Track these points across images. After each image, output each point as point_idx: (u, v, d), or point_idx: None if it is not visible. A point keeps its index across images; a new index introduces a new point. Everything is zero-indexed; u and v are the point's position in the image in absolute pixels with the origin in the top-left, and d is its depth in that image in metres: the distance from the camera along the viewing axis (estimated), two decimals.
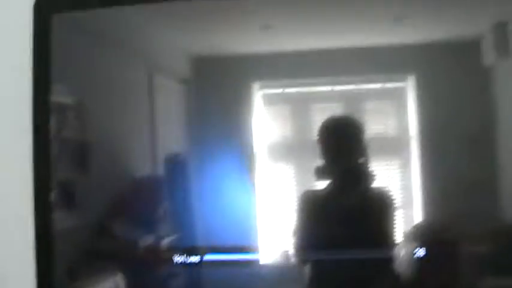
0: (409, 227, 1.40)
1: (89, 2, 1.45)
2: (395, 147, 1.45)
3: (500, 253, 1.35)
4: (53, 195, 1.44)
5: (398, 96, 1.47)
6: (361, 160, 1.40)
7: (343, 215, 1.40)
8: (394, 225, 1.40)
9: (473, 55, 1.40)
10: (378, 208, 1.41)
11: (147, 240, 1.47)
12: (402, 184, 1.43)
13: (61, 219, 1.43)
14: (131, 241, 1.46)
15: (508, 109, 1.38)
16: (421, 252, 1.36)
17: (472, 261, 1.34)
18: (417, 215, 1.41)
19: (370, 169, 1.40)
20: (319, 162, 1.41)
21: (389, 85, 1.48)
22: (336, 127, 1.42)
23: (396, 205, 1.41)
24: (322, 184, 1.42)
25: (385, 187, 1.42)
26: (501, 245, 1.35)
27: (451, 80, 1.40)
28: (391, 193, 1.42)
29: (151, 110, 1.52)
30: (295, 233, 1.43)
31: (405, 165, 1.44)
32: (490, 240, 1.35)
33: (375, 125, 1.44)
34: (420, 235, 1.38)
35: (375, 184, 1.41)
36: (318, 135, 1.41)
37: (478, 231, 1.35)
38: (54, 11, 1.45)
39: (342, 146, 1.41)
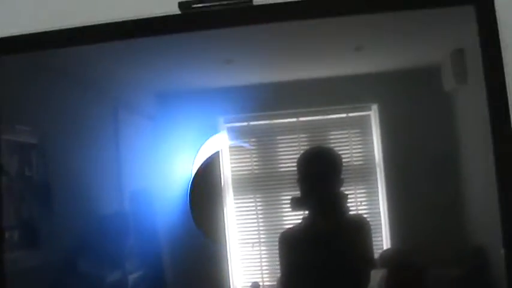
0: (376, 253, 1.40)
1: (45, 41, 1.44)
2: (361, 174, 1.45)
3: (467, 276, 1.35)
4: (16, 234, 1.41)
5: (362, 125, 1.48)
6: (336, 189, 1.40)
7: (324, 243, 1.39)
8: (373, 250, 1.39)
9: (434, 82, 1.42)
10: (357, 233, 1.41)
11: (114, 276, 1.45)
12: (369, 211, 1.43)
13: (25, 258, 1.41)
14: (98, 277, 1.44)
15: (469, 133, 1.39)
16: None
17: (440, 284, 1.34)
18: (385, 241, 1.41)
19: (344, 198, 1.40)
20: (292, 193, 1.41)
21: (353, 114, 1.49)
22: (313, 158, 1.43)
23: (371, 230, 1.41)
24: (295, 217, 1.42)
25: (360, 214, 1.43)
26: (468, 267, 1.35)
27: (414, 106, 1.42)
28: (366, 219, 1.42)
29: (116, 146, 1.52)
30: (282, 273, 1.42)
31: (371, 193, 1.44)
32: (456, 263, 1.35)
33: (341, 154, 1.45)
34: (388, 261, 1.38)
35: (350, 212, 1.41)
36: (296, 167, 1.42)
37: (445, 255, 1.35)
38: (5, 52, 1.44)
39: (319, 177, 1.42)
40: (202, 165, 1.46)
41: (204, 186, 1.46)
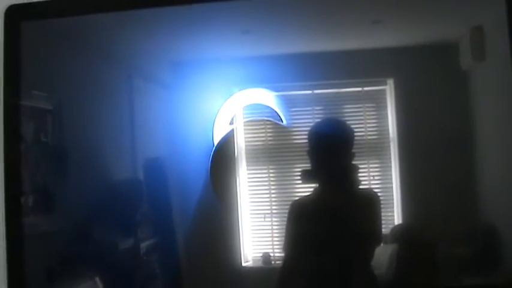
0: (388, 228, 1.41)
1: (64, 9, 1.44)
2: (375, 149, 1.45)
3: (478, 253, 1.35)
4: (31, 200, 1.43)
5: (377, 100, 1.48)
6: (347, 162, 1.40)
7: (332, 216, 1.39)
8: (381, 226, 1.40)
9: (451, 58, 1.41)
10: (366, 208, 1.41)
11: (126, 244, 1.47)
12: (382, 186, 1.44)
13: (39, 224, 1.42)
14: (110, 244, 1.45)
15: (485, 111, 1.39)
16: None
17: (450, 261, 1.35)
18: (396, 217, 1.41)
19: (356, 171, 1.40)
20: (305, 166, 1.41)
21: (368, 88, 1.49)
22: (325, 131, 1.43)
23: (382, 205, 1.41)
24: (306, 189, 1.42)
25: (370, 188, 1.43)
26: (479, 245, 1.36)
27: (430, 83, 1.41)
28: (376, 193, 1.42)
29: (130, 114, 1.52)
30: (286, 241, 1.43)
31: (385, 167, 1.44)
32: (468, 241, 1.36)
33: (355, 128, 1.45)
34: (399, 236, 1.39)
35: (361, 185, 1.42)
36: (307, 139, 1.42)
37: (457, 232, 1.35)
38: (27, 18, 1.44)
39: (330, 149, 1.42)
40: (223, 136, 1.46)
41: (222, 157, 1.47)
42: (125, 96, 1.52)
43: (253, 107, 1.47)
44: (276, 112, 1.46)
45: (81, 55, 1.49)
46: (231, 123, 1.47)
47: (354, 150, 1.40)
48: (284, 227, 1.43)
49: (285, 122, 1.45)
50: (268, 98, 1.46)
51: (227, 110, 1.47)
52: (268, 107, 1.46)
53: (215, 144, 1.46)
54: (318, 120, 1.47)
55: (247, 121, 1.48)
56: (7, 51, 1.45)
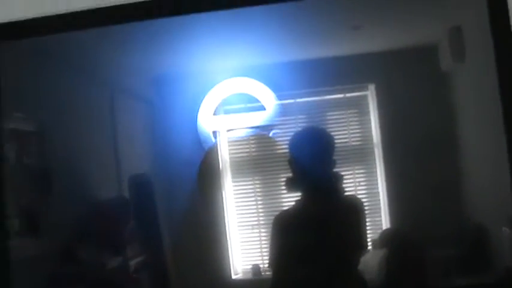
0: (376, 233, 1.41)
1: (44, 28, 1.43)
2: (359, 155, 1.46)
3: (467, 254, 1.35)
4: (17, 223, 1.42)
5: (360, 105, 1.48)
6: (328, 170, 1.40)
7: (316, 225, 1.39)
8: (367, 232, 1.40)
9: (431, 61, 1.41)
10: (349, 215, 1.41)
11: (114, 262, 1.46)
12: (367, 191, 1.44)
13: (25, 247, 1.41)
14: (98, 264, 1.45)
15: (467, 111, 1.39)
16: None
17: (440, 263, 1.35)
18: (384, 221, 1.41)
19: (339, 178, 1.40)
20: (289, 174, 1.41)
21: (350, 95, 1.49)
22: (304, 139, 1.42)
23: (366, 211, 1.41)
24: (293, 198, 1.41)
25: (354, 195, 1.43)
26: (467, 246, 1.36)
27: (411, 86, 1.41)
28: (360, 200, 1.42)
29: (113, 132, 1.51)
30: (272, 256, 1.43)
31: (370, 173, 1.44)
32: (456, 242, 1.36)
33: (339, 135, 1.45)
34: (388, 240, 1.39)
35: (345, 192, 1.41)
36: (288, 148, 1.41)
37: (444, 234, 1.35)
38: (6, 38, 1.43)
39: (309, 158, 1.41)
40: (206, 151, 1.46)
41: (207, 170, 1.46)
42: (108, 113, 1.52)
43: (236, 97, 1.46)
44: (259, 101, 1.45)
45: (62, 74, 1.49)
46: (215, 113, 1.46)
47: (335, 158, 1.39)
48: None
49: (267, 110, 1.45)
50: (251, 86, 1.45)
51: (211, 101, 1.46)
52: (251, 96, 1.46)
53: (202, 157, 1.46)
54: (299, 129, 1.47)
55: (230, 137, 1.47)
56: None
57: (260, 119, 1.46)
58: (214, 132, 1.46)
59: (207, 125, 1.46)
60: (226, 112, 1.47)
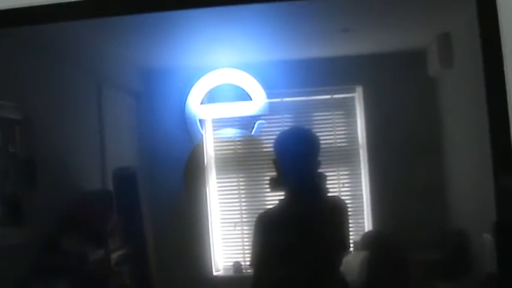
0: (358, 235, 1.41)
1: (33, 17, 1.43)
2: (344, 156, 1.46)
3: (449, 258, 1.36)
4: None
5: (346, 107, 1.48)
6: (312, 171, 1.40)
7: (299, 225, 1.39)
8: (349, 233, 1.40)
9: (419, 65, 1.42)
10: (332, 215, 1.41)
11: (97, 254, 1.46)
12: (351, 192, 1.45)
13: (7, 236, 1.41)
14: (81, 255, 1.44)
15: (454, 117, 1.40)
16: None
17: (422, 266, 1.36)
18: (366, 223, 1.42)
19: (323, 179, 1.40)
20: (273, 174, 1.41)
21: (337, 96, 1.50)
22: (289, 139, 1.43)
23: (349, 212, 1.42)
24: (276, 197, 1.42)
25: (338, 195, 1.43)
26: (448, 250, 1.37)
27: (398, 89, 1.42)
28: (343, 201, 1.43)
29: (100, 123, 1.51)
30: (253, 255, 1.43)
31: (354, 174, 1.45)
32: (437, 245, 1.37)
33: (325, 135, 1.45)
34: (370, 242, 1.39)
35: (328, 193, 1.42)
36: (272, 147, 1.41)
37: (426, 238, 1.36)
38: None
39: (294, 158, 1.41)
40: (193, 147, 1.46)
41: (193, 167, 1.47)
42: (94, 105, 1.51)
43: (223, 87, 1.46)
44: (245, 91, 1.45)
45: (49, 64, 1.48)
46: (202, 103, 1.46)
47: (319, 158, 1.40)
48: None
49: (253, 100, 1.45)
50: (238, 77, 1.46)
51: (199, 90, 1.46)
52: (238, 86, 1.46)
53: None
54: (284, 128, 1.47)
55: (216, 133, 1.48)
56: None
57: (247, 109, 1.45)
58: (201, 121, 1.46)
59: (194, 113, 1.45)
60: (213, 101, 1.47)
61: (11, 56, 1.46)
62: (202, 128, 1.46)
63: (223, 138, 1.47)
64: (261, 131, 1.46)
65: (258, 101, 1.45)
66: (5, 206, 1.44)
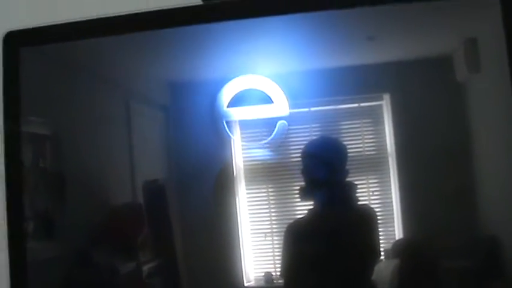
0: (389, 243, 1.40)
1: (62, 34, 1.45)
2: (373, 165, 1.46)
3: (481, 265, 1.35)
4: (31, 226, 1.43)
5: (374, 115, 1.48)
6: (341, 180, 1.40)
7: (329, 234, 1.39)
8: (380, 241, 1.40)
9: (446, 71, 1.41)
10: (363, 224, 1.41)
11: (127, 267, 1.46)
12: (381, 200, 1.44)
13: (39, 250, 1.42)
14: (112, 268, 1.45)
15: (483, 122, 1.39)
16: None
17: (453, 274, 1.34)
18: (397, 231, 1.41)
19: (352, 187, 1.40)
20: (302, 183, 1.41)
21: (365, 104, 1.49)
22: (315, 149, 1.43)
23: (379, 221, 1.41)
24: (306, 206, 1.42)
25: (367, 204, 1.43)
26: (481, 258, 1.35)
27: (426, 96, 1.42)
28: (373, 209, 1.42)
29: (128, 138, 1.52)
30: (284, 266, 1.42)
31: (384, 183, 1.44)
32: (469, 253, 1.35)
33: (353, 144, 1.45)
34: (401, 250, 1.38)
35: (358, 202, 1.41)
36: (301, 157, 1.41)
37: (458, 245, 1.35)
38: (25, 44, 1.45)
39: (322, 168, 1.41)
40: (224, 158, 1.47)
41: (223, 177, 1.47)
42: (123, 119, 1.53)
43: (246, 93, 1.46)
44: (268, 96, 1.46)
45: (78, 80, 1.50)
46: (228, 106, 1.47)
47: (347, 167, 1.39)
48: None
49: (274, 103, 1.45)
50: (261, 83, 1.46)
51: (226, 94, 1.47)
52: (261, 91, 1.46)
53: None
54: (312, 138, 1.47)
55: (245, 144, 1.48)
56: (6, 77, 1.45)
57: (271, 111, 1.46)
58: (228, 123, 1.47)
59: (220, 116, 1.46)
60: (239, 105, 1.47)
61: (40, 72, 1.48)
62: (230, 131, 1.46)
63: (251, 147, 1.48)
64: (290, 141, 1.46)
65: (282, 104, 1.45)
66: (36, 221, 1.45)
